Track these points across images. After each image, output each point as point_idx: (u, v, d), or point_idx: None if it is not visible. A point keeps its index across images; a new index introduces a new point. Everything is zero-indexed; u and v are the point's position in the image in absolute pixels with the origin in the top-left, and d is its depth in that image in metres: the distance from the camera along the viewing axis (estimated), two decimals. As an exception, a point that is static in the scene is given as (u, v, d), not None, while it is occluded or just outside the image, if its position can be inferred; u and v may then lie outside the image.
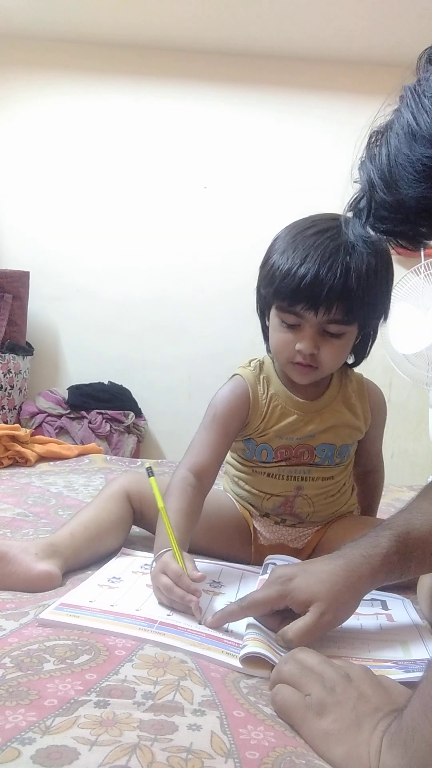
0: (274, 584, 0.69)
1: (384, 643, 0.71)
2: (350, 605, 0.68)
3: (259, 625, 0.69)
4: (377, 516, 1.09)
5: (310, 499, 0.97)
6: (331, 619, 0.66)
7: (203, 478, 0.90)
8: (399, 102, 0.47)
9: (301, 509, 0.98)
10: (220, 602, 0.78)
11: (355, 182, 0.53)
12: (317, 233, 0.85)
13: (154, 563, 0.77)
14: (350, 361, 0.99)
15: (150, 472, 0.88)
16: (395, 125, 0.47)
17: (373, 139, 0.50)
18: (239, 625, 0.70)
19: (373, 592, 0.85)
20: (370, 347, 0.98)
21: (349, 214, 0.56)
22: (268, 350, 0.98)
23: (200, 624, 0.70)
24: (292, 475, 0.96)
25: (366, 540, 0.71)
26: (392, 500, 1.48)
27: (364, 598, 0.82)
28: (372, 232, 0.53)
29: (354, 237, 0.53)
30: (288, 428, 0.94)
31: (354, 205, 0.53)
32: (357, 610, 0.79)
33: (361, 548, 0.70)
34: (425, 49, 0.47)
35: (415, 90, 0.45)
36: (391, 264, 0.90)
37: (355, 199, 0.53)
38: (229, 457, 1.04)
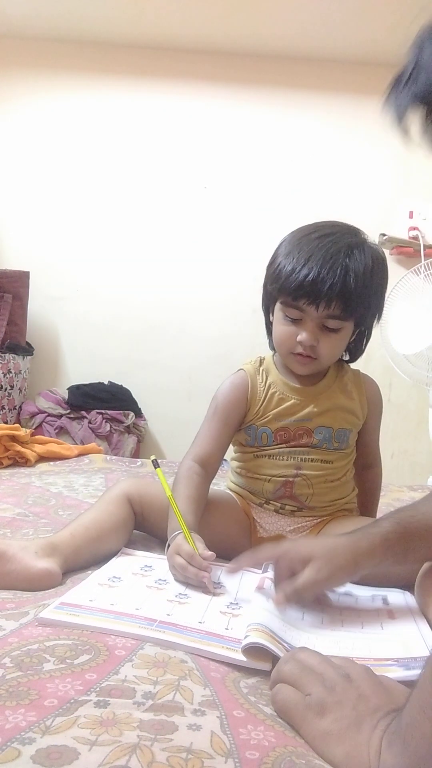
0: (284, 541, 0.83)
1: (385, 642, 0.71)
2: (345, 568, 0.75)
3: (262, 613, 0.70)
4: (377, 517, 1.10)
5: (309, 480, 1.00)
6: (327, 575, 0.74)
7: (207, 467, 1.00)
8: None
9: (301, 491, 1.01)
10: (221, 602, 0.78)
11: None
12: (320, 237, 0.93)
13: (169, 545, 0.86)
14: (346, 357, 1.07)
15: (156, 464, 0.96)
16: None
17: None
18: (239, 624, 0.70)
19: (375, 587, 0.86)
20: (365, 345, 1.05)
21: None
22: (271, 346, 1.05)
23: (212, 596, 0.79)
24: (292, 455, 1.00)
25: (370, 524, 0.80)
26: (392, 500, 1.48)
27: (365, 594, 0.85)
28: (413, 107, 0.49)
29: (397, 110, 0.49)
30: (286, 411, 1.00)
31: (400, 78, 0.48)
32: (358, 608, 0.80)
33: (364, 528, 0.79)
34: None
35: None
36: (386, 267, 0.98)
37: (402, 72, 0.48)
38: (231, 452, 1.08)
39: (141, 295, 2.79)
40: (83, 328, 2.80)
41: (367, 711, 0.49)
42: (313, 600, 0.79)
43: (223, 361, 2.61)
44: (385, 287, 1.00)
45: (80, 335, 2.81)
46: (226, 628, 0.70)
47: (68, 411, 2.51)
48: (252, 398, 1.02)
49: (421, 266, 1.96)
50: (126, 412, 2.56)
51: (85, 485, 1.46)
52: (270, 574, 0.81)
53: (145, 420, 2.69)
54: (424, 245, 2.58)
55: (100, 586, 0.79)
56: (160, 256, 2.79)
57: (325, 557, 0.75)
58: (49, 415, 2.49)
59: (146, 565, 0.89)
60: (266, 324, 1.05)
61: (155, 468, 0.96)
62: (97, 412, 2.49)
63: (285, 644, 0.65)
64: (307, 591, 0.74)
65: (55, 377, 2.81)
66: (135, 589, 0.79)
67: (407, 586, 0.87)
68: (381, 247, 0.96)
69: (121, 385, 2.68)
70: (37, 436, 1.95)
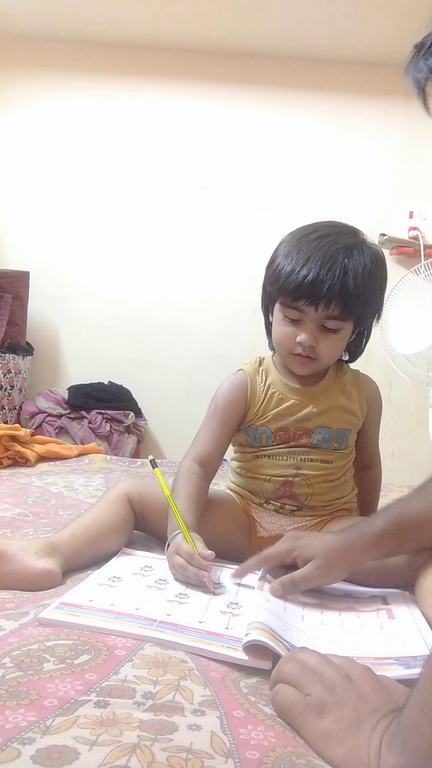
0: (286, 541, 0.85)
1: (385, 641, 0.71)
2: (342, 567, 0.82)
3: (262, 612, 0.70)
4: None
5: (308, 480, 1.01)
6: (324, 572, 0.80)
7: (206, 467, 1.00)
8: None
9: (300, 490, 1.01)
10: (221, 601, 0.78)
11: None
12: (319, 238, 0.93)
13: (168, 544, 0.86)
14: (346, 357, 1.07)
15: (154, 464, 0.97)
16: None
17: None
18: (240, 624, 0.70)
19: (374, 587, 0.87)
20: (365, 345, 1.06)
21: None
22: (270, 346, 1.05)
23: (212, 595, 0.79)
24: (292, 455, 1.01)
25: (365, 521, 0.85)
26: (392, 500, 1.48)
27: (365, 594, 0.86)
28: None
29: (415, 81, 0.49)
30: (285, 411, 1.01)
31: (419, 49, 0.49)
32: (358, 607, 0.81)
33: (359, 527, 0.84)
34: None
35: None
36: (385, 267, 0.98)
37: (422, 43, 0.49)
38: (231, 453, 1.08)
39: (141, 295, 2.79)
40: (83, 328, 2.80)
41: (367, 711, 0.49)
42: (306, 590, 0.83)
43: (223, 361, 2.61)
44: (385, 287, 1.00)
45: (80, 335, 2.81)
46: (227, 628, 0.70)
47: (68, 411, 2.51)
48: (251, 398, 1.02)
49: (421, 266, 1.96)
50: (126, 412, 2.56)
51: (85, 485, 1.46)
52: (268, 576, 0.82)
53: (145, 420, 2.69)
54: (424, 245, 2.58)
55: (100, 586, 0.79)
56: (160, 256, 2.79)
57: (324, 556, 0.81)
58: (49, 415, 2.49)
59: (146, 565, 0.89)
60: (266, 324, 1.05)
61: (153, 468, 0.96)
62: (97, 412, 2.49)
63: (285, 643, 0.65)
64: (303, 584, 0.80)
65: (55, 377, 2.81)
66: (135, 589, 0.79)
67: (407, 585, 0.87)
68: (381, 247, 0.96)
69: (121, 385, 2.68)
70: (37, 436, 1.95)
